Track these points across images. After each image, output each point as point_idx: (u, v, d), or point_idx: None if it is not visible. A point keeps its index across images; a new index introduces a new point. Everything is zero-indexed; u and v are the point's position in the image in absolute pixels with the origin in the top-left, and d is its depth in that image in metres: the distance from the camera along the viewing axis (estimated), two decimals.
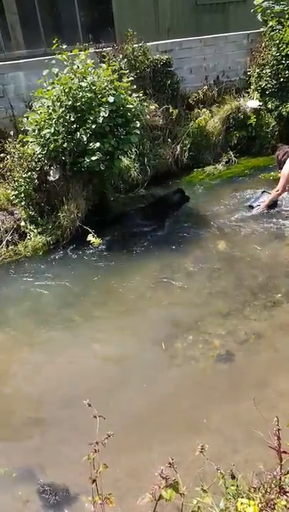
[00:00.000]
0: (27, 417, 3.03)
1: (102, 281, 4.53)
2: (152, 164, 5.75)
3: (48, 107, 5.01)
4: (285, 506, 1.86)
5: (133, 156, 5.26)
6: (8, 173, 5.29)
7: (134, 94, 5.45)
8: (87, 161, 4.93)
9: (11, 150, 5.26)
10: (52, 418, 2.98)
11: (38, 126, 5.04)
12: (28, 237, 5.19)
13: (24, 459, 2.71)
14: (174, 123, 6.89)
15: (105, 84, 5.11)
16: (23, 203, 5.20)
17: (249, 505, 1.78)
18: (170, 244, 5.03)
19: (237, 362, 3.27)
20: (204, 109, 7.33)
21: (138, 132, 5.26)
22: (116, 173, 5.20)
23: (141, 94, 5.58)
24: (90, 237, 4.80)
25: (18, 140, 5.28)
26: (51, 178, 5.24)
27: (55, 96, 4.97)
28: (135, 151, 5.28)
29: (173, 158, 6.73)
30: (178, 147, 6.82)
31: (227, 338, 3.52)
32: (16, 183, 5.16)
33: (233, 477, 2.06)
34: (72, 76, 5.04)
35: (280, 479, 1.98)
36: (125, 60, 6.46)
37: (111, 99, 4.97)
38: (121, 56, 6.46)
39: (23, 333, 3.89)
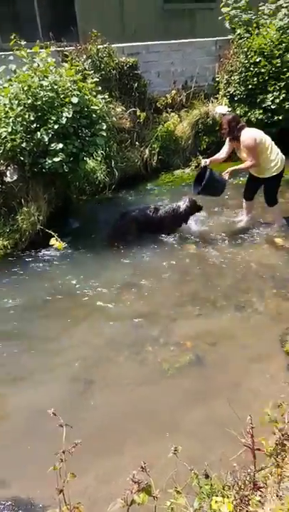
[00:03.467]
0: None
1: (64, 285, 4.52)
2: (120, 167, 5.86)
3: (5, 104, 5.01)
4: (259, 501, 1.93)
5: (99, 159, 5.33)
6: None
7: (100, 96, 5.57)
8: (49, 162, 4.96)
9: None
10: (16, 430, 2.92)
11: None
12: None
13: None
14: (141, 126, 7.08)
15: (68, 84, 5.20)
16: None
17: (223, 503, 1.83)
18: (140, 246, 5.10)
19: (209, 363, 3.33)
20: (173, 114, 7.58)
21: (104, 134, 5.37)
22: (81, 175, 5.25)
23: (106, 96, 5.71)
24: (53, 241, 4.80)
25: None
26: (8, 179, 5.20)
27: (12, 94, 4.99)
28: (101, 153, 5.35)
29: (142, 161, 6.90)
30: (146, 150, 6.99)
31: (199, 340, 3.58)
32: None
33: (207, 476, 2.11)
34: (32, 74, 5.10)
35: (254, 476, 2.06)
36: (89, 60, 6.61)
37: (75, 99, 5.05)
38: (85, 57, 6.60)
39: None
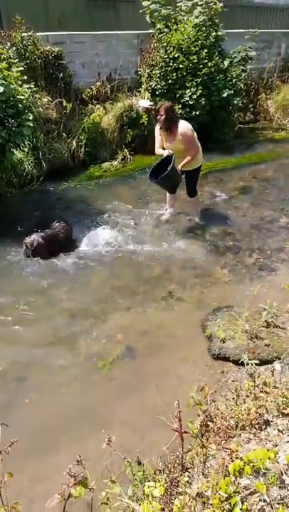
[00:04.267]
0: None
1: None
2: (47, 158, 5.57)
3: None
4: (188, 482, 2.01)
5: (26, 150, 5.02)
6: None
7: (25, 85, 5.22)
8: None
9: None
10: None
11: None
12: None
13: None
14: (68, 117, 6.78)
15: None
16: None
17: (155, 487, 1.87)
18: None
19: (140, 353, 3.36)
20: (98, 105, 7.35)
21: (31, 125, 5.07)
22: (8, 166, 4.93)
23: (33, 86, 5.36)
24: None
25: None
26: None
27: None
28: (28, 144, 5.05)
29: (69, 153, 6.63)
30: (74, 142, 6.73)
31: (129, 331, 3.59)
32: None
33: (139, 463, 2.14)
34: None
35: (182, 458, 2.13)
36: (14, 48, 6.13)
37: (0, 88, 4.68)
38: (9, 44, 6.11)
39: None
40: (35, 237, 4.47)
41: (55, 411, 2.89)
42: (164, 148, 4.85)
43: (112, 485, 1.89)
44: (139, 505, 1.86)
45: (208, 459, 2.15)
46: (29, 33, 6.30)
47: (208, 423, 2.23)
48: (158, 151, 4.87)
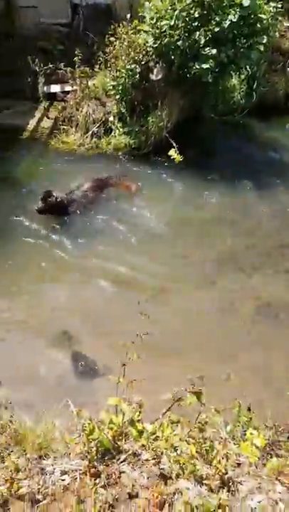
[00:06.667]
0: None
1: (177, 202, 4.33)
2: (261, 92, 4.99)
3: None
4: None
5: (243, 76, 4.59)
6: (113, 61, 4.86)
7: (272, 3, 4.61)
8: (197, 67, 4.42)
9: (122, 35, 4.75)
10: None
11: (158, 15, 4.48)
12: (113, 134, 4.91)
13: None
14: None
15: None
16: (117, 97, 4.86)
17: (258, 437, 1.78)
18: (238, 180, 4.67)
19: (279, 318, 3.12)
20: None
21: (261, 49, 4.57)
22: (220, 89, 4.63)
23: (279, 6, 4.68)
24: (172, 152, 4.45)
25: (132, 26, 4.75)
26: (153, 77, 4.81)
27: None
28: (248, 71, 4.59)
29: (285, 90, 5.82)
30: None
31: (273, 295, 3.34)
32: (118, 73, 4.77)
33: (249, 409, 2.07)
34: None
35: None
36: None
37: (246, 2, 4.26)
38: None
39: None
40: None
41: (189, 328, 2.93)
42: None
43: (216, 413, 1.86)
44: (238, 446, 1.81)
45: None
46: None
47: None
48: None
